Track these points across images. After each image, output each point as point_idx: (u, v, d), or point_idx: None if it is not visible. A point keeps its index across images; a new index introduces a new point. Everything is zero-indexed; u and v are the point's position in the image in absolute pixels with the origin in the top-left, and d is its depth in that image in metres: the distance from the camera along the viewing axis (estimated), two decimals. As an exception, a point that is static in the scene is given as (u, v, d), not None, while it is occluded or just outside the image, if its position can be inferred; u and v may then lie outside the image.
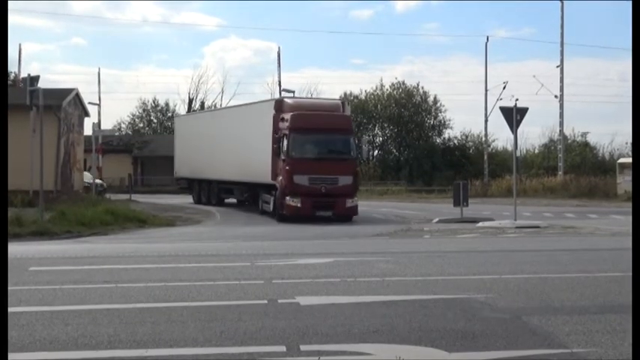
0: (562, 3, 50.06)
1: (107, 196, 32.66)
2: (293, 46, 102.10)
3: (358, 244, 15.43)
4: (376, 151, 65.39)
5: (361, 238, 17.23)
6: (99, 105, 56.05)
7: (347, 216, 23.43)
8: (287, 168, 22.58)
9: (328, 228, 20.36)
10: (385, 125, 64.45)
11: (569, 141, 58.11)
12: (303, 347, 5.51)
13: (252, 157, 25.61)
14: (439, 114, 64.45)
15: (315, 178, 22.70)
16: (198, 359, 5.26)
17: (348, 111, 26.30)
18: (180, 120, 40.09)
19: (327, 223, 21.95)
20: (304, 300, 7.41)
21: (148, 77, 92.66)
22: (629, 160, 36.64)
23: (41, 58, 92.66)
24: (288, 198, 22.72)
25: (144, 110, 70.68)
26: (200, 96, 71.41)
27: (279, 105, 23.88)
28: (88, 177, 33.96)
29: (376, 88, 65.33)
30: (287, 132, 22.63)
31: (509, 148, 51.66)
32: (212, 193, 30.57)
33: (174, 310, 6.98)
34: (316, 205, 22.77)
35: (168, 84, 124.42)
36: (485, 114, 55.93)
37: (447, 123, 64.41)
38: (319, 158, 23.11)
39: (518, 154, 25.34)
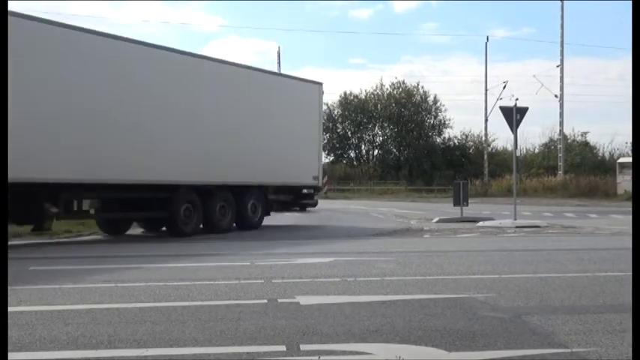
0: (562, 3, 50.18)
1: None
2: (293, 46, 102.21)
3: (358, 243, 15.42)
4: (376, 151, 65.50)
5: (361, 237, 17.22)
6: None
7: None
8: None
9: None
10: (385, 125, 64.56)
11: (569, 140, 58.24)
12: (303, 347, 5.50)
13: None
14: (439, 113, 64.66)
15: None
16: (198, 359, 5.25)
17: None
18: None
19: None
20: (304, 299, 7.40)
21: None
22: (629, 159, 36.68)
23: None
24: None
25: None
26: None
27: None
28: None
29: (376, 87, 65.59)
30: None
31: (509, 147, 51.65)
32: None
33: (174, 309, 6.98)
34: None
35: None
36: (485, 114, 56.11)
37: (446, 122, 64.62)
38: None
39: (518, 153, 25.37)
